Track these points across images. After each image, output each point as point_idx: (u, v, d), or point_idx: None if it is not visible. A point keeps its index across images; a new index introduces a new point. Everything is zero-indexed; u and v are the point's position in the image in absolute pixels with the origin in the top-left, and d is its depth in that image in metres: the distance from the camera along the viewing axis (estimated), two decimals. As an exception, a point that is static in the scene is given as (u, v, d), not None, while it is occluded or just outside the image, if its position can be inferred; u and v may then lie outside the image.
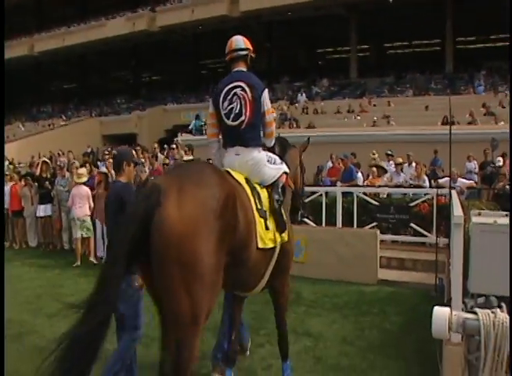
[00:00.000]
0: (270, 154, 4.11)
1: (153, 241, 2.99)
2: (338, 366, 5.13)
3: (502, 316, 2.42)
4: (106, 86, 47.77)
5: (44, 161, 12.81)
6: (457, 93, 27.00)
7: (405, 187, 11.06)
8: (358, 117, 25.38)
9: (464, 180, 11.36)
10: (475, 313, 2.47)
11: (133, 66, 47.58)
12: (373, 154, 15.27)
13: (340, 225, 9.86)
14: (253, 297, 5.16)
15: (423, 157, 13.83)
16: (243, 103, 3.92)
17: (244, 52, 4.25)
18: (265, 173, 4.00)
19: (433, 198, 9.66)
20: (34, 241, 12.30)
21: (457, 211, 5.07)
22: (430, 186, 10.91)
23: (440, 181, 11.73)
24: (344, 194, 10.34)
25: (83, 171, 10.95)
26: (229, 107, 3.94)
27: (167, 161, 10.17)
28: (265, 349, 5.60)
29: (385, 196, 10.76)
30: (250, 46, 4.27)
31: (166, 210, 2.97)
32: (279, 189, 4.07)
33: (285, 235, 4.05)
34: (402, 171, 11.72)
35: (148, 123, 37.02)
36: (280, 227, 3.96)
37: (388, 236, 9.88)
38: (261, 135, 4.11)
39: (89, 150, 16.02)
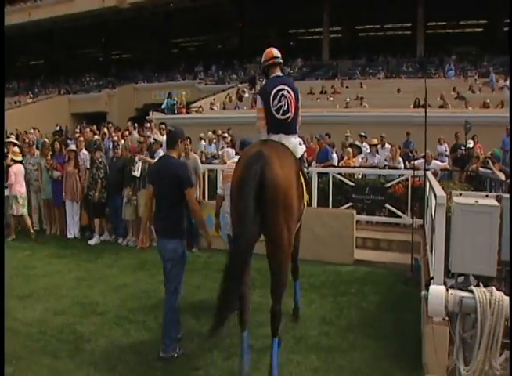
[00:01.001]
0: (299, 138, 5.27)
1: (267, 191, 4.24)
2: (319, 346, 5.13)
3: (498, 294, 2.40)
4: (74, 63, 46.55)
5: (10, 142, 12.36)
6: (428, 77, 27.24)
7: (380, 168, 11.09)
8: (331, 99, 25.47)
9: (438, 162, 11.47)
10: (471, 292, 2.45)
11: (103, 44, 46.55)
12: (346, 134, 15.39)
13: (316, 206, 9.84)
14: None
15: (396, 138, 13.89)
16: (289, 102, 4.96)
17: (279, 60, 5.23)
18: (298, 151, 5.12)
19: (407, 180, 9.72)
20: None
21: (439, 191, 5.09)
22: (405, 168, 10.97)
23: (415, 162, 11.83)
24: (320, 175, 10.30)
25: (17, 149, 10.89)
26: (278, 105, 4.94)
27: (142, 140, 9.92)
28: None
29: (360, 177, 10.77)
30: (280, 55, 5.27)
31: (274, 170, 4.32)
32: (305, 162, 5.66)
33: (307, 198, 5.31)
34: (378, 153, 11.74)
35: (118, 101, 36.43)
36: (308, 190, 5.29)
37: (364, 217, 9.91)
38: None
39: (58, 129, 15.55)
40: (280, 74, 5.20)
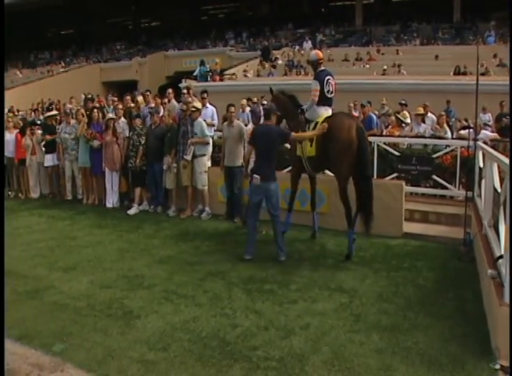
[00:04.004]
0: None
1: (363, 146, 7.01)
2: (380, 325, 4.86)
3: None
4: (105, 32, 46.23)
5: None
6: (466, 43, 26.33)
7: (426, 138, 10.60)
8: (367, 66, 24.78)
9: (488, 132, 10.89)
10: None
11: (133, 12, 46.06)
12: (382, 102, 14.93)
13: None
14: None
15: (435, 107, 13.45)
16: (333, 87, 7.59)
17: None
18: None
19: (456, 150, 9.28)
20: (36, 192, 11.86)
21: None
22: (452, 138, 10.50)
23: (461, 132, 11.30)
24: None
25: None
26: (328, 88, 7.50)
27: (184, 108, 9.63)
28: (300, 306, 5.35)
29: (405, 146, 10.33)
30: None
31: (364, 133, 7.11)
32: None
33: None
34: (423, 122, 11.23)
35: (149, 69, 36.23)
36: None
37: (413, 188, 9.50)
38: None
39: (90, 96, 15.39)
40: (323, 68, 7.67)
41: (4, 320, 4.24)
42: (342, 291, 5.74)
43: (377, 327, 4.84)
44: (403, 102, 13.57)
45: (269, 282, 6.06)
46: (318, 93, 7.42)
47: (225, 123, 9.34)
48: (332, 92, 7.53)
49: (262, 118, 7.49)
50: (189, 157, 9.38)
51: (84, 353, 4.44)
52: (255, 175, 6.92)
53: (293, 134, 7.28)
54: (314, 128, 7.38)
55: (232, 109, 9.11)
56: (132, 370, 4.18)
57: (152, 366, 4.22)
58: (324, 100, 7.50)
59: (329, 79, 7.48)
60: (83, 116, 10.96)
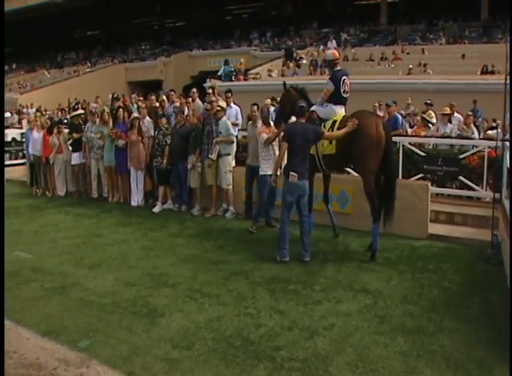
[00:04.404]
0: None
1: (389, 143, 7.18)
2: (404, 328, 4.80)
3: None
4: (130, 32, 46.81)
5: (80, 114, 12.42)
6: (493, 42, 25.89)
7: (452, 138, 10.46)
8: (392, 65, 24.56)
9: (516, 132, 10.70)
10: None
11: (157, 12, 46.49)
12: (407, 102, 14.80)
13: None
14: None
15: (462, 107, 13.25)
16: (348, 87, 7.70)
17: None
18: None
19: (483, 150, 9.13)
20: (62, 190, 12.04)
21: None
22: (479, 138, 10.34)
23: (489, 132, 11.14)
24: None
25: None
26: (344, 88, 7.61)
27: (209, 107, 9.67)
28: (324, 306, 5.32)
29: (430, 147, 10.21)
30: None
31: (390, 131, 7.36)
32: None
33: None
34: (450, 122, 11.08)
35: (173, 69, 36.51)
36: None
37: (439, 189, 9.38)
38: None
39: (115, 95, 15.55)
40: (339, 68, 7.86)
41: (4, 320, 4.33)
42: (366, 292, 5.69)
43: (402, 329, 4.78)
44: (429, 102, 13.44)
45: (293, 282, 6.05)
46: (329, 93, 7.62)
47: (250, 122, 9.35)
48: (347, 92, 7.67)
49: (295, 116, 7.36)
50: (214, 156, 9.41)
51: (110, 350, 4.49)
52: (292, 173, 6.82)
53: (326, 132, 7.23)
54: (331, 127, 7.40)
55: (255, 108, 9.11)
56: (157, 367, 4.21)
57: (176, 364, 4.24)
58: (339, 99, 7.66)
59: (345, 79, 7.62)
60: (108, 115, 11.10)
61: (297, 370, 4.13)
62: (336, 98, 7.62)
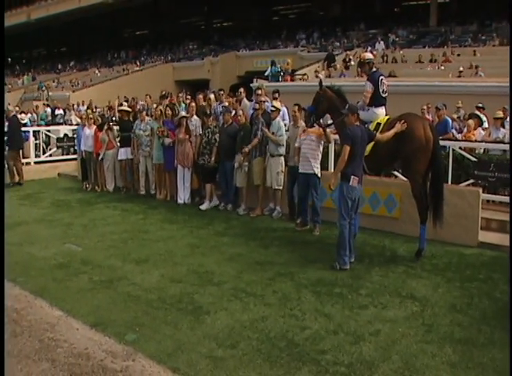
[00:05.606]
0: None
1: (437, 146, 7.14)
2: (453, 338, 4.68)
3: None
4: (178, 32, 47.47)
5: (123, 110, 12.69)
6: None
7: (505, 143, 10.13)
8: (442, 67, 24.01)
9: None
10: None
11: (205, 13, 46.97)
12: (458, 105, 14.46)
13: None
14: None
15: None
16: (386, 87, 7.73)
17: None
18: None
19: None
20: (111, 185, 12.30)
21: None
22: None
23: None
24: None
25: None
26: (382, 88, 7.62)
27: (257, 106, 9.70)
28: (370, 312, 5.24)
29: (482, 152, 9.92)
30: None
31: (437, 134, 7.33)
32: None
33: None
34: (503, 127, 10.76)
35: (220, 69, 36.81)
36: None
37: (491, 196, 9.09)
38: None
39: (164, 93, 15.81)
40: (376, 68, 8.00)
41: (4, 319, 4.42)
42: (414, 299, 5.58)
43: (450, 339, 4.66)
44: (480, 105, 13.06)
45: (339, 285, 5.99)
46: (369, 95, 7.60)
47: (291, 123, 9.33)
48: (386, 92, 7.70)
49: (349, 117, 7.04)
50: (247, 150, 9.49)
51: (155, 345, 4.55)
52: (354, 177, 6.66)
53: (378, 134, 7.11)
54: (375, 129, 7.33)
55: (296, 108, 9.05)
56: (201, 364, 4.24)
57: (220, 362, 4.27)
58: (379, 100, 7.66)
59: (382, 79, 7.66)
60: (161, 113, 11.27)
61: (342, 374, 4.08)
62: (376, 99, 7.62)
